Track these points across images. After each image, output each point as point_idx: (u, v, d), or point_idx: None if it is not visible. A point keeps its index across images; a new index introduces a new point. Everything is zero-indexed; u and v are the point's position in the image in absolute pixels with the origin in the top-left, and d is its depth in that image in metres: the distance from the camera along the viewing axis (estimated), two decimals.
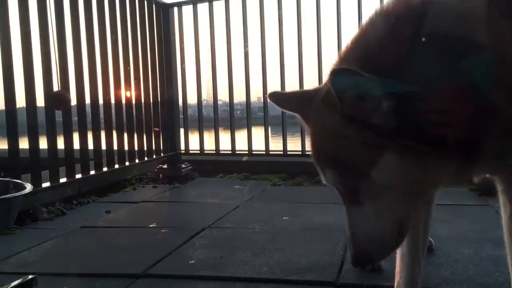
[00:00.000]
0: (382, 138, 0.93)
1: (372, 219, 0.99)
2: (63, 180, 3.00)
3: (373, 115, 0.92)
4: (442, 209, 2.56)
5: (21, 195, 1.44)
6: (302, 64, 3.91)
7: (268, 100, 1.24)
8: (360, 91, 0.91)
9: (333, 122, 0.97)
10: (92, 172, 3.29)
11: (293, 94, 1.22)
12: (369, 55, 0.96)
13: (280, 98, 1.21)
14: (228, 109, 4.30)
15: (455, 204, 2.75)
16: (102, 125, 3.49)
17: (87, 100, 3.32)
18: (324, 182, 1.07)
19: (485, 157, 0.96)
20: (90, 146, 3.33)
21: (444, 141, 0.91)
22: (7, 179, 1.68)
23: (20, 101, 2.76)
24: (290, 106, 1.19)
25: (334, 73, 0.90)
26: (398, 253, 1.40)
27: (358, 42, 1.02)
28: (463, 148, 0.93)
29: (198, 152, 4.38)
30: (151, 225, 2.59)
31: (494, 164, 1.04)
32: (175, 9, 4.30)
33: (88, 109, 3.34)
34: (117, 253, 2.12)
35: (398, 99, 0.91)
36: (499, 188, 1.21)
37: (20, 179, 2.52)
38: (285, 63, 3.98)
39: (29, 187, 1.57)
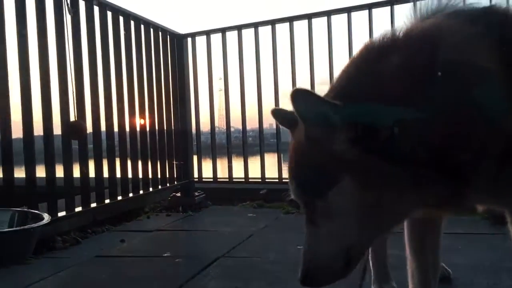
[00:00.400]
0: (340, 163, 0.94)
1: (322, 240, 1.01)
2: (78, 209, 3.02)
3: (332, 140, 0.94)
4: (456, 237, 2.52)
5: (40, 226, 1.46)
6: (314, 90, 3.93)
7: (271, 116, 1.28)
8: (318, 114, 0.94)
9: (302, 140, 1.01)
10: (107, 201, 3.31)
11: (290, 112, 1.27)
12: (350, 85, 1.00)
13: (279, 114, 1.26)
14: (240, 135, 4.33)
15: (469, 232, 2.70)
16: (117, 153, 3.53)
17: (103, 128, 3.37)
18: (291, 196, 1.09)
19: (477, 188, 0.95)
20: (105, 174, 3.36)
21: (414, 175, 0.92)
22: (26, 209, 1.71)
23: (36, 128, 2.82)
24: (285, 123, 1.22)
25: (293, 94, 0.93)
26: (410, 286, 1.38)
27: (344, 74, 1.05)
28: (441, 180, 0.93)
29: (211, 180, 4.39)
30: (165, 254, 2.59)
31: (493, 194, 1.02)
32: (189, 39, 4.39)
33: (103, 137, 3.39)
34: (132, 283, 2.12)
35: (361, 129, 0.92)
36: (508, 219, 1.21)
37: (37, 208, 2.55)
38: None
39: (46, 217, 1.59)
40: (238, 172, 4.28)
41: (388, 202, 0.95)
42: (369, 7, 3.74)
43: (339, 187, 0.95)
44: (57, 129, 2.92)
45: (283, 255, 2.45)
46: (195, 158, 4.44)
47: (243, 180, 4.24)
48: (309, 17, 3.93)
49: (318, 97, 0.96)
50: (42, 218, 1.55)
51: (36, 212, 1.64)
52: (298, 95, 0.94)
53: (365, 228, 0.99)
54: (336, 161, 0.95)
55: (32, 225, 1.47)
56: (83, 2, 3.17)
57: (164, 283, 2.07)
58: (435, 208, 1.07)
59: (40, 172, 2.80)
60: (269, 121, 4.43)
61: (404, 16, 1.17)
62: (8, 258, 1.48)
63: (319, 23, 3.91)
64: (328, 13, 3.87)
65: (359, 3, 3.84)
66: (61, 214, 2.87)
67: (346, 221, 0.98)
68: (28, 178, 2.69)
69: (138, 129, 3.78)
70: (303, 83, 4.02)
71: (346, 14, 3.81)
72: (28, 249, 1.49)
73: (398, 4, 3.65)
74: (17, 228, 1.44)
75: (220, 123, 4.71)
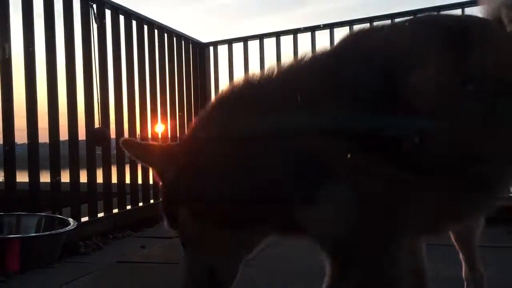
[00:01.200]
0: (178, 197, 1.06)
1: (189, 262, 1.11)
2: (100, 214, 3.06)
3: (165, 177, 1.08)
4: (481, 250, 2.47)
5: (67, 231, 1.49)
6: None
7: None
8: (142, 158, 1.12)
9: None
10: (129, 207, 3.34)
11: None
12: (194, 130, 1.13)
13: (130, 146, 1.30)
14: None
15: (494, 246, 2.64)
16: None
17: (126, 135, 3.42)
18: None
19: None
20: (127, 180, 3.40)
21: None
22: (53, 215, 1.74)
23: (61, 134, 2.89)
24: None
25: (121, 143, 1.11)
26: None
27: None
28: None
29: None
30: None
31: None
32: (211, 48, 4.43)
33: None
34: None
35: (181, 169, 1.03)
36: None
37: (60, 212, 2.60)
38: None
39: (72, 223, 1.62)
40: None
41: (225, 231, 1.03)
42: (392, 17, 3.74)
43: (181, 218, 1.05)
44: (81, 136, 2.99)
45: (305, 266, 2.44)
46: None
47: None
48: (330, 26, 3.94)
49: (138, 144, 1.12)
50: (68, 224, 1.58)
51: (62, 218, 1.68)
52: (123, 144, 1.10)
53: (220, 251, 1.07)
54: (174, 194, 1.06)
55: (60, 230, 1.50)
56: (109, 11, 3.24)
57: None
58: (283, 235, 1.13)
59: (65, 177, 2.86)
60: None
61: None
62: (36, 261, 1.51)
63: (341, 34, 3.91)
64: (350, 23, 3.87)
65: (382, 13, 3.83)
66: (84, 219, 2.92)
67: (199, 246, 1.07)
68: (53, 183, 2.74)
69: (160, 136, 3.82)
70: None
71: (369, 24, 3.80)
72: (55, 254, 1.53)
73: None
74: (47, 233, 1.48)
75: None
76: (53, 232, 1.49)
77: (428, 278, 1.33)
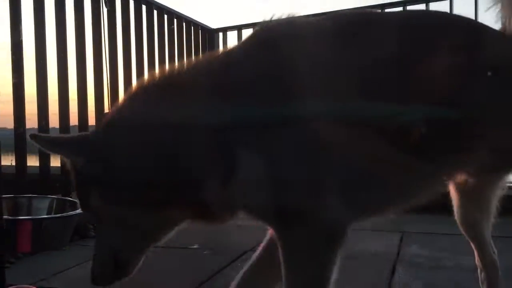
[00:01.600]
0: (87, 180, 1.09)
1: (97, 244, 1.16)
2: None
3: (74, 164, 1.11)
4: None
5: (78, 213, 1.51)
6: None
7: None
8: (49, 149, 1.15)
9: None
10: None
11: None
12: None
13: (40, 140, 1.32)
14: None
15: (506, 236, 2.64)
16: None
17: None
18: None
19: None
20: None
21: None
22: (64, 198, 1.76)
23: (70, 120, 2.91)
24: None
25: (30, 137, 1.13)
26: None
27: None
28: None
29: None
30: (193, 247, 2.62)
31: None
32: (220, 34, 4.42)
33: None
34: (161, 274, 2.15)
35: (87, 158, 1.07)
36: None
37: (71, 196, 2.63)
38: None
39: None
40: None
41: (136, 216, 1.07)
42: (403, 4, 3.69)
43: (93, 200, 1.09)
44: (91, 121, 3.00)
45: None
46: None
47: None
48: None
49: (47, 138, 1.16)
50: (79, 206, 1.59)
51: (73, 200, 1.69)
52: (32, 139, 1.12)
53: (127, 235, 1.11)
54: (84, 177, 1.10)
55: (72, 212, 1.52)
56: None
57: (192, 275, 2.10)
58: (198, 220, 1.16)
59: None
60: None
61: None
62: (47, 243, 1.53)
63: None
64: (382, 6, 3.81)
65: None
66: None
67: (106, 229, 1.12)
68: (63, 166, 2.76)
69: None
70: None
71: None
72: (67, 236, 1.55)
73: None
74: (58, 215, 1.50)
75: None
76: (64, 214, 1.51)
77: None
